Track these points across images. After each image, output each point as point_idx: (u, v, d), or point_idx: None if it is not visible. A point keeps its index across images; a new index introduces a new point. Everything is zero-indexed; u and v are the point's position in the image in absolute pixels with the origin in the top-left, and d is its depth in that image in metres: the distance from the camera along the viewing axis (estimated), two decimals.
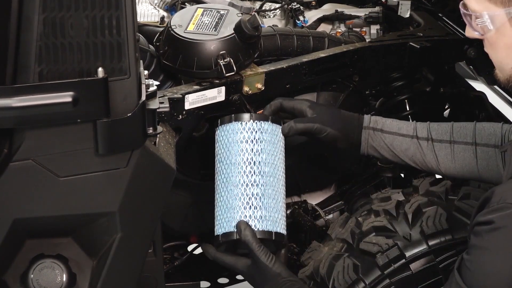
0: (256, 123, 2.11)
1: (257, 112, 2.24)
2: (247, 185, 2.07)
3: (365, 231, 2.20)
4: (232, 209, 2.07)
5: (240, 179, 2.08)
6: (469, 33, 1.85)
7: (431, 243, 2.14)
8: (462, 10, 1.82)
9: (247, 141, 2.10)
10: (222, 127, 2.14)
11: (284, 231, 2.10)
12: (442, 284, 2.16)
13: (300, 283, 2.01)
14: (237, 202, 2.07)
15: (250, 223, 2.05)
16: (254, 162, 2.09)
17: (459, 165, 2.14)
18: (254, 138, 2.11)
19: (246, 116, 2.13)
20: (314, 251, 2.31)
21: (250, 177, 2.08)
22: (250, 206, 2.06)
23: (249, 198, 2.06)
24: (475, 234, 1.74)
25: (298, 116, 2.18)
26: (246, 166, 2.09)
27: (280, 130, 2.16)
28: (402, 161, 2.20)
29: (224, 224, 2.08)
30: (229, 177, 2.09)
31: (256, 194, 2.07)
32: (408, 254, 2.14)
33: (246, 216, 2.05)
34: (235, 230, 2.05)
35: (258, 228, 2.05)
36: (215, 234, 2.10)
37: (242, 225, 2.04)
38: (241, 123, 2.11)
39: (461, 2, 1.82)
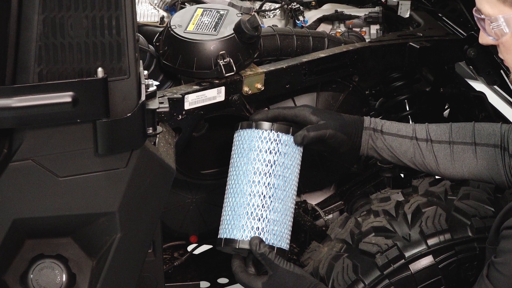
0: (273, 133, 2.07)
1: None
2: (254, 195, 2.04)
3: (364, 231, 2.20)
4: (237, 216, 2.04)
5: (249, 188, 2.05)
6: (484, 39, 1.81)
7: (430, 243, 2.14)
8: (475, 15, 1.79)
9: (263, 151, 2.06)
10: (240, 131, 2.10)
11: (286, 247, 2.08)
12: (441, 284, 2.16)
13: (323, 285, 2.00)
14: (243, 211, 2.04)
15: (252, 234, 2.02)
16: (265, 173, 2.05)
17: (458, 165, 2.14)
18: (269, 149, 2.06)
19: (266, 124, 2.07)
20: (314, 252, 2.31)
21: (259, 188, 2.04)
22: (254, 217, 2.03)
23: (254, 208, 2.03)
24: (505, 238, 1.74)
25: (301, 124, 2.16)
26: (257, 176, 2.05)
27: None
28: (401, 162, 2.19)
29: (228, 229, 2.06)
30: (239, 183, 2.06)
31: (262, 206, 2.04)
32: (407, 254, 2.14)
33: (248, 226, 2.02)
34: (238, 238, 2.03)
35: None
36: (218, 236, 2.09)
37: (255, 240, 2.01)
38: (259, 131, 2.07)
39: (475, 8, 1.80)
